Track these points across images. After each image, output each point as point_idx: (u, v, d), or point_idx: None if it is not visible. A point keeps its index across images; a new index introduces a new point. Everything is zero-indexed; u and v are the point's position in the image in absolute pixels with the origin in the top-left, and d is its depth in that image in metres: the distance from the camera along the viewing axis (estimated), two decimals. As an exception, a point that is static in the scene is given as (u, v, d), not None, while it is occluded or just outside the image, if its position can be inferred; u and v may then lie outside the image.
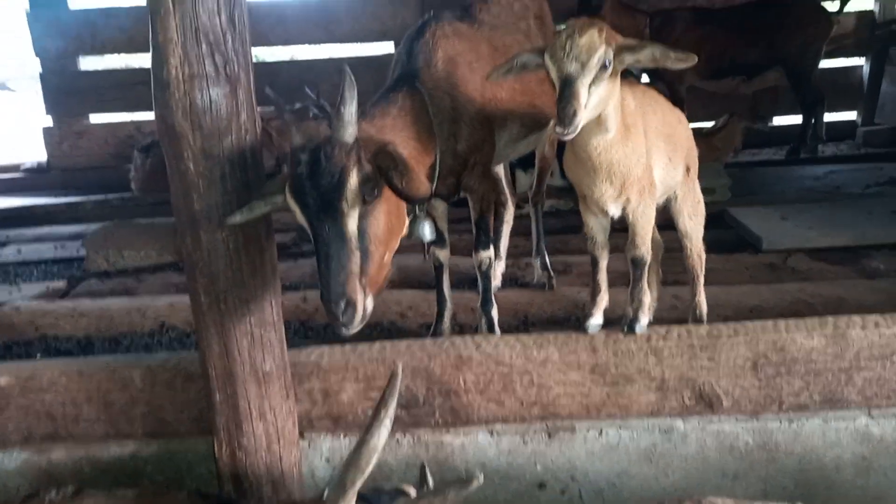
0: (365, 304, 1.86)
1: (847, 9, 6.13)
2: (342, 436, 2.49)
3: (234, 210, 1.95)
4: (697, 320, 2.69)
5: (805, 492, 2.35)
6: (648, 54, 1.89)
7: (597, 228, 2.37)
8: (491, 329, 2.75)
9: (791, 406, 2.30)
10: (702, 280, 2.73)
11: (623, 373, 2.34)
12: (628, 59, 1.90)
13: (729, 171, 5.01)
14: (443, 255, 2.80)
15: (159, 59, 1.82)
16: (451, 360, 2.38)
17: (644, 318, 2.38)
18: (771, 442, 2.35)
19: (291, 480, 2.31)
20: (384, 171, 1.84)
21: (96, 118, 7.56)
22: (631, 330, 2.37)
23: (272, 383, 2.20)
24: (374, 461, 1.48)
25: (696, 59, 1.83)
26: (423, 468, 1.83)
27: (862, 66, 7.00)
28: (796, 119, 6.80)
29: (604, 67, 1.85)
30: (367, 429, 1.50)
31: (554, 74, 1.88)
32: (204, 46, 1.83)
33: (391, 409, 1.53)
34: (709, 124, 5.91)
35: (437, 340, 2.47)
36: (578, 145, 2.05)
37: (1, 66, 12.58)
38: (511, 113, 2.66)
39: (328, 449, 2.51)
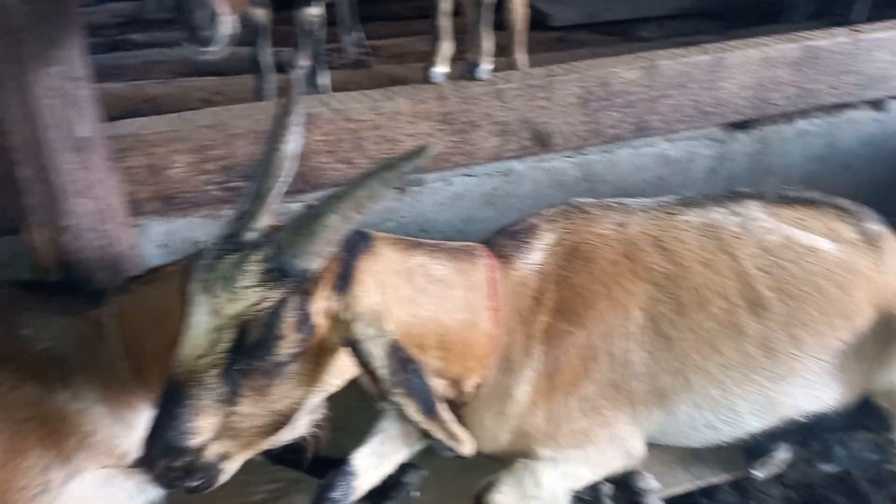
0: None
1: None
2: (178, 217, 2.24)
3: None
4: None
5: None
6: None
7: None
8: None
9: (609, 138, 2.59)
10: (524, 38, 2.82)
11: (470, 119, 2.39)
12: None
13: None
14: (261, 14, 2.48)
15: None
16: (298, 118, 2.20)
17: (487, 63, 2.40)
18: (591, 172, 2.65)
19: (131, 267, 2.06)
20: None
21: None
22: (473, 75, 2.39)
23: (93, 152, 1.85)
24: (288, 168, 1.34)
25: None
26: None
27: None
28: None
29: None
30: (271, 137, 1.33)
31: None
32: None
33: (298, 110, 1.35)
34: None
35: (279, 101, 2.25)
36: None
37: None
38: None
39: (163, 234, 2.26)
